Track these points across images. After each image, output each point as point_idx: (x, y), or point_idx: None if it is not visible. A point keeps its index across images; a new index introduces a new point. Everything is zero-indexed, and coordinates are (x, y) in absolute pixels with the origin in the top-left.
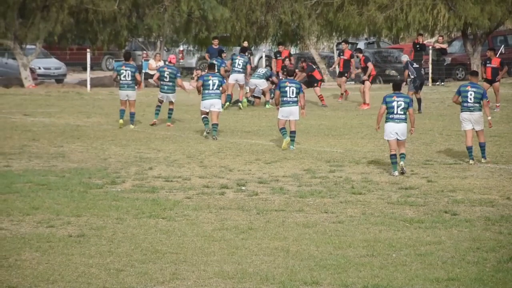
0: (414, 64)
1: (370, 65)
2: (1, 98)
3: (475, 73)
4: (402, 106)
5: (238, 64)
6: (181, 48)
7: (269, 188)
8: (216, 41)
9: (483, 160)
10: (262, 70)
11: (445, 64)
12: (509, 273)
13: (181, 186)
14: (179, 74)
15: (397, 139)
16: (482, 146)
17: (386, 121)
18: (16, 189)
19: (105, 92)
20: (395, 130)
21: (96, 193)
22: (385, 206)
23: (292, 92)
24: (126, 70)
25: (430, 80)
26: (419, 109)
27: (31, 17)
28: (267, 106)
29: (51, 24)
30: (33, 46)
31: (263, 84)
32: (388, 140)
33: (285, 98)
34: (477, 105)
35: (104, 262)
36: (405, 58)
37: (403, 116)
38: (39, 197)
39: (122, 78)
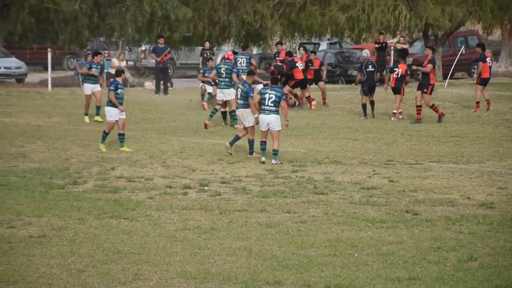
0: (370, 66)
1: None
2: None
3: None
4: (273, 99)
5: None
6: (143, 47)
7: (232, 188)
8: (161, 40)
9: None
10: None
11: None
12: (469, 272)
13: (143, 186)
14: (235, 70)
15: (271, 130)
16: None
17: (260, 113)
18: None
19: (66, 92)
20: (266, 121)
21: (57, 193)
22: (347, 206)
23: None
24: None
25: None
26: (372, 112)
27: None
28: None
29: (11, 24)
30: None
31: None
32: (261, 130)
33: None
34: (273, 107)
35: (66, 263)
36: (365, 54)
37: (273, 108)
38: None
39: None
